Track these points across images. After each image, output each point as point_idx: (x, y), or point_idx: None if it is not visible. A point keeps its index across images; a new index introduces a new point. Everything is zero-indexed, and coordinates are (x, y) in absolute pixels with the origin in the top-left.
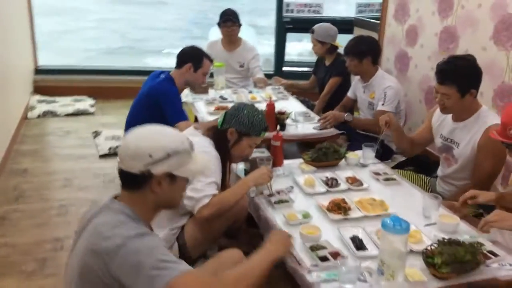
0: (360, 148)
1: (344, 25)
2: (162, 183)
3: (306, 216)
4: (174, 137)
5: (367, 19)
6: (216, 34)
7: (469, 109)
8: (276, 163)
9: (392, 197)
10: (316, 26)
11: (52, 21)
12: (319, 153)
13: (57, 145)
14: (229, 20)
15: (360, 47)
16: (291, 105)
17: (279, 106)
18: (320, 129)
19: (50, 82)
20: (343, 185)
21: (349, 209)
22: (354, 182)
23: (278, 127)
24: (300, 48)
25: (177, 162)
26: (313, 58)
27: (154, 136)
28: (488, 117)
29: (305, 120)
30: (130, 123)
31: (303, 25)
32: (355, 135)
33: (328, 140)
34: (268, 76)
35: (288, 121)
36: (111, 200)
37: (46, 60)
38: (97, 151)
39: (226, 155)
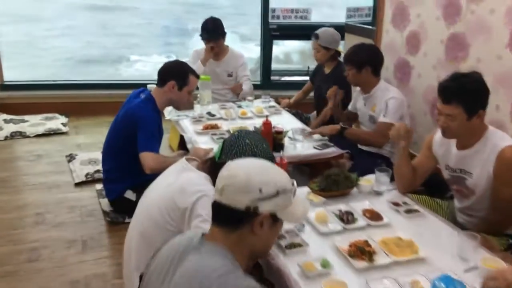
0: (365, 167)
1: None
2: (264, 224)
3: (326, 265)
4: (282, 174)
5: (360, 25)
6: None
7: (476, 133)
8: None
9: (419, 234)
10: (320, 31)
11: (8, 30)
12: (329, 181)
13: (28, 172)
14: (211, 38)
15: (359, 56)
16: (286, 121)
17: (273, 122)
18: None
19: (17, 99)
20: (361, 221)
21: (374, 252)
22: (372, 216)
23: (282, 152)
24: (274, 51)
25: (283, 202)
26: (291, 66)
27: (264, 169)
28: (497, 138)
29: (305, 138)
30: (109, 148)
31: (290, 32)
32: (359, 154)
33: (331, 160)
34: (255, 86)
35: (285, 140)
36: (200, 241)
37: (11, 75)
38: (72, 178)
39: None
